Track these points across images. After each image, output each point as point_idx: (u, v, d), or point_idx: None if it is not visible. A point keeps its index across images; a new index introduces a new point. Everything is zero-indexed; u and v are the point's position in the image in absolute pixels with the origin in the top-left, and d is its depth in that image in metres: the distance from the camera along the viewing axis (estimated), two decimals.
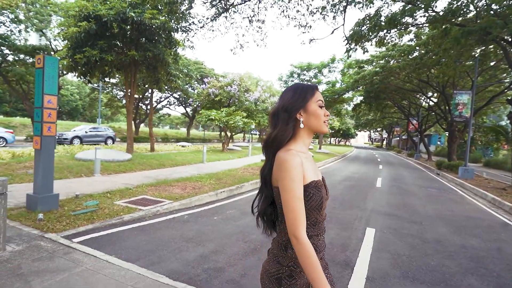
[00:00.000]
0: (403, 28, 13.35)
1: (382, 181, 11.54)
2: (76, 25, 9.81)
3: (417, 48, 16.57)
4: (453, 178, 13.44)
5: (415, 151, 29.16)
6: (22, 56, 19.31)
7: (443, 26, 10.83)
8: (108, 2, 9.99)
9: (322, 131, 1.16)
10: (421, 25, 12.63)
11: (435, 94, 24.45)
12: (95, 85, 26.88)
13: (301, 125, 1.14)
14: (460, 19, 11.63)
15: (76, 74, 10.97)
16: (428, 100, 25.00)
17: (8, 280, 2.62)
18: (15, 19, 17.95)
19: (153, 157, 11.74)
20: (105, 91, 31.75)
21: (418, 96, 26.18)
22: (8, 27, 18.56)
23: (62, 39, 10.88)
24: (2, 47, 18.75)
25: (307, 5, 11.48)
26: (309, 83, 1.21)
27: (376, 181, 11.55)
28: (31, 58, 18.28)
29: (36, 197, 4.40)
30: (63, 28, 10.80)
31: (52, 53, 18.31)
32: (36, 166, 4.48)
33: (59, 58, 10.73)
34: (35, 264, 2.94)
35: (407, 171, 16.54)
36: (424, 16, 11.05)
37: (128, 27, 10.62)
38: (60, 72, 16.11)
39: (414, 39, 17.05)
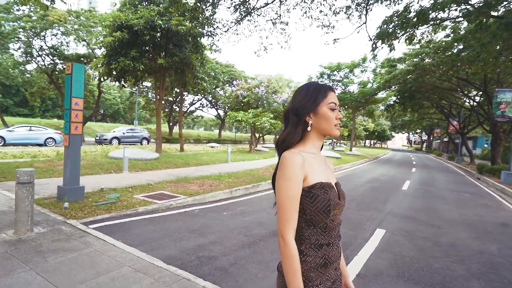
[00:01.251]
0: (437, 23, 12.66)
1: (410, 184, 11.03)
2: (111, 34, 10.71)
3: (455, 44, 15.56)
4: (494, 183, 12.42)
5: (456, 154, 27.18)
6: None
7: (478, 20, 10.10)
8: (138, 12, 10.75)
9: (332, 135, 1.13)
10: (454, 19, 11.87)
11: (479, 93, 22.64)
12: (133, 89, 28.71)
13: (309, 128, 1.11)
14: (502, 10, 10.77)
15: (111, 79, 11.93)
16: (469, 99, 23.21)
17: (29, 255, 3.06)
18: (65, 32, 19.90)
19: (180, 157, 12.33)
20: (142, 95, 33.76)
21: (460, 94, 24.44)
22: (58, 39, 20.65)
23: (99, 47, 11.91)
24: (53, 57, 20.90)
25: (329, 5, 11.39)
26: (323, 84, 1.17)
27: (403, 184, 11.07)
28: None
29: (64, 189, 4.96)
30: (99, 37, 11.81)
31: (95, 59, 19.98)
32: (65, 161, 5.05)
33: (90, 66, 11.76)
34: (54, 244, 3.38)
35: (443, 175, 15.55)
36: (456, 9, 10.40)
37: (158, 34, 11.35)
38: (98, 77, 17.59)
39: (451, 35, 16.03)
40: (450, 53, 15.58)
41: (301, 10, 11.83)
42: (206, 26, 11.42)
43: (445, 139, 41.99)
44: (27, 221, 3.61)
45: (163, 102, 25.14)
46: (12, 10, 18.67)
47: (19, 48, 20.33)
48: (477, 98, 22.81)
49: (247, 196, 7.19)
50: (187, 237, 3.97)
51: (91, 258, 3.06)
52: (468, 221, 6.20)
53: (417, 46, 17.54)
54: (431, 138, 54.02)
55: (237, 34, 12.34)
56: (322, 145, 1.21)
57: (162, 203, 5.42)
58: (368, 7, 11.16)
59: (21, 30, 18.85)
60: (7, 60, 22.80)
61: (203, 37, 12.28)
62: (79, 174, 5.16)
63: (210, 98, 35.04)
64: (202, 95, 32.26)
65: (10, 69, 23.25)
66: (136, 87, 26.18)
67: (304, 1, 11.41)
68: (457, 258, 4.09)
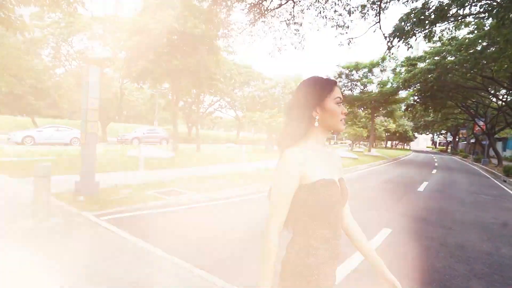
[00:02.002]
0: (458, 20, 12.23)
1: (427, 186, 10.71)
2: (130, 38, 11.22)
3: (479, 41, 14.92)
4: None
5: (483, 156, 25.92)
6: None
7: (501, 15, 9.67)
8: (156, 16, 11.18)
9: (338, 129, 1.11)
10: (476, 15, 11.43)
11: (508, 92, 21.48)
12: (154, 90, 29.62)
13: (316, 124, 1.09)
14: None
15: (131, 81, 12.48)
16: (496, 99, 22.07)
17: (44, 242, 3.35)
18: (90, 37, 20.97)
19: (195, 156, 12.65)
20: (163, 96, 34.72)
21: (486, 93, 23.32)
22: (85, 43, 21.79)
23: (120, 51, 12.48)
24: (79, 61, 22.05)
25: (344, 5, 11.29)
26: (328, 78, 1.15)
27: (420, 185, 10.77)
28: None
29: (81, 184, 5.30)
30: (121, 42, 12.39)
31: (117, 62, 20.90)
32: (81, 158, 5.39)
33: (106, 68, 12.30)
34: (66, 232, 3.66)
35: (465, 177, 14.93)
36: (477, 5, 10.02)
37: (175, 37, 11.75)
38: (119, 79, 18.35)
39: (475, 31, 15.38)
40: (473, 50, 14.97)
41: (315, 10, 11.80)
42: (220, 28, 11.68)
43: (472, 141, 40.12)
44: (44, 211, 3.92)
45: (182, 103, 25.77)
46: (43, 17, 19.93)
47: (49, 53, 21.67)
48: (506, 97, 21.69)
49: (256, 194, 7.30)
50: (190, 230, 4.16)
51: (98, 246, 3.31)
52: (482, 223, 5.99)
53: (438, 44, 16.99)
54: (457, 139, 51.75)
55: (251, 35, 12.49)
56: (330, 140, 1.20)
57: (171, 198, 5.65)
58: (383, 5, 10.98)
59: (50, 36, 20.07)
60: (39, 65, 24.28)
61: (218, 39, 12.57)
62: (95, 170, 5.49)
63: (228, 99, 35.49)
64: (220, 96, 32.73)
65: (41, 73, 24.73)
66: (155, 89, 27.01)
67: (318, 1, 11.39)
68: (462, 258, 4.00)
